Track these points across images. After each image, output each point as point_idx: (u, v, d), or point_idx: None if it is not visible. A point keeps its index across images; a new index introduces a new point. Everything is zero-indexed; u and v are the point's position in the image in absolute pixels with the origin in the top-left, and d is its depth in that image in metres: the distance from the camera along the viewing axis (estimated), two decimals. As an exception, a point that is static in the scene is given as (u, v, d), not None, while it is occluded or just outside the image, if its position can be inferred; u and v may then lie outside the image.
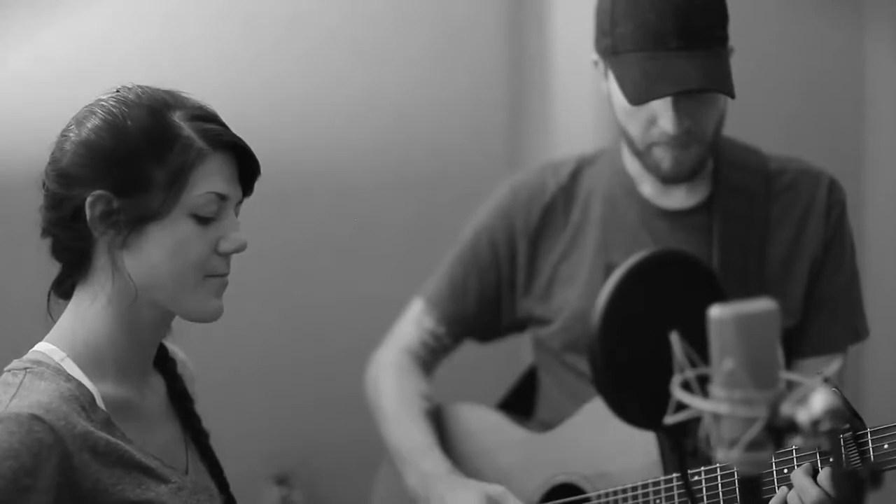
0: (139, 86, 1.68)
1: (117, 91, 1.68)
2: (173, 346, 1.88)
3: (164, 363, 1.81)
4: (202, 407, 1.90)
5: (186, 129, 1.63)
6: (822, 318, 2.22)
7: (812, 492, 1.84)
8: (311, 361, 3.21)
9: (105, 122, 1.62)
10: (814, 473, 1.88)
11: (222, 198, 1.66)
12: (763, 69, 2.37)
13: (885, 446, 1.77)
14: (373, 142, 3.27)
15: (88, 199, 1.61)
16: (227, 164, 1.67)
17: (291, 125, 3.19)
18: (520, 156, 3.31)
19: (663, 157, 2.14)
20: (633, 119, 2.13)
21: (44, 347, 1.65)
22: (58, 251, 1.68)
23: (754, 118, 2.26)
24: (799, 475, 1.85)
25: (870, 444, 1.80)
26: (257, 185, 1.74)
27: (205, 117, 1.66)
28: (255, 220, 3.06)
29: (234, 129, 1.70)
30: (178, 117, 1.64)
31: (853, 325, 2.26)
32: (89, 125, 1.63)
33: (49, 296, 1.71)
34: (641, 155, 2.17)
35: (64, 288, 1.70)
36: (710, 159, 2.23)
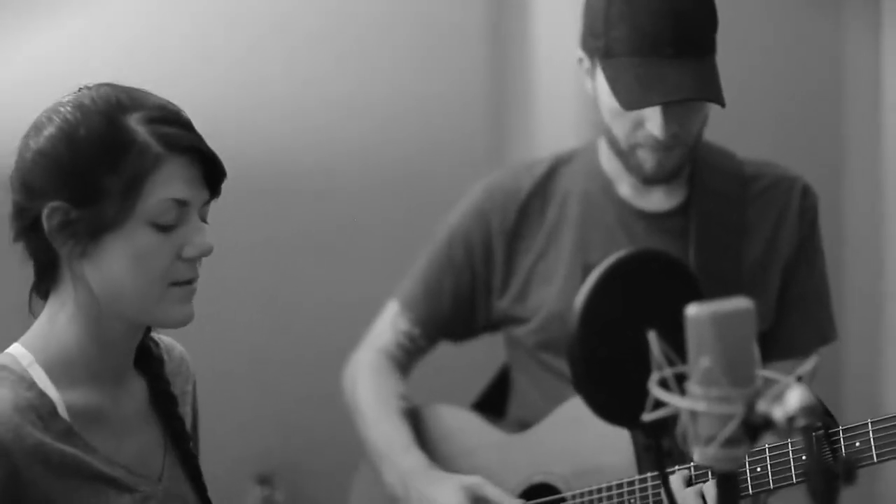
0: (99, 86, 1.62)
1: (79, 91, 1.62)
2: (170, 341, 1.84)
3: (149, 364, 1.75)
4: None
5: (142, 133, 1.56)
6: (791, 321, 2.25)
7: None
8: (295, 361, 3.21)
9: (59, 131, 1.57)
10: (688, 482, 1.96)
11: (182, 203, 1.59)
12: (741, 69, 2.38)
13: (857, 444, 1.79)
14: (356, 142, 3.26)
15: (45, 211, 1.56)
16: (187, 168, 1.59)
17: (275, 126, 3.18)
18: (503, 156, 3.31)
19: (646, 158, 2.15)
20: (620, 120, 2.14)
21: (15, 350, 1.62)
22: (29, 256, 1.64)
23: (732, 119, 2.27)
24: (689, 495, 1.93)
25: (842, 443, 1.83)
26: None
27: (163, 119, 1.59)
28: (240, 220, 3.07)
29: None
30: (134, 121, 1.57)
31: (822, 328, 2.28)
32: (45, 133, 1.58)
33: (30, 295, 1.67)
34: (624, 155, 2.18)
35: (41, 290, 1.66)
36: (688, 162, 2.24)
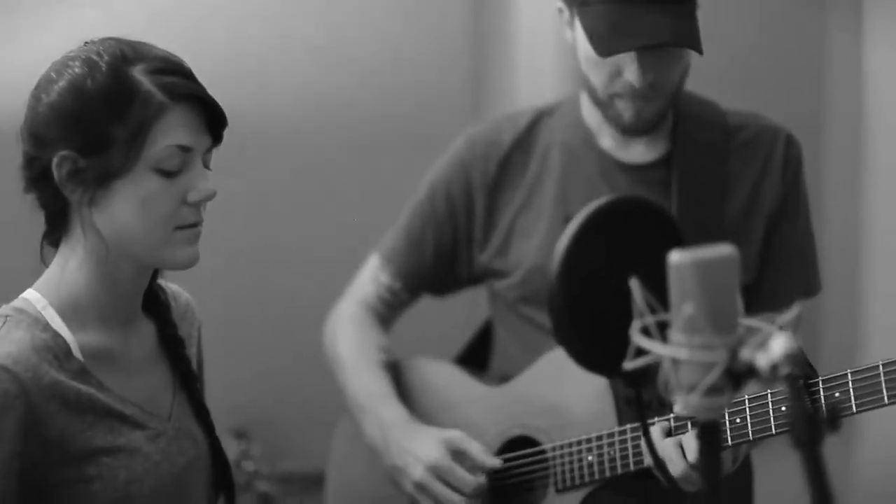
0: (103, 40, 1.69)
1: (84, 45, 1.69)
2: (176, 288, 1.93)
3: (157, 308, 1.84)
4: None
5: (146, 83, 1.64)
6: (775, 273, 2.23)
7: (678, 465, 1.89)
8: (271, 315, 3.20)
9: (68, 84, 1.64)
10: (667, 434, 1.96)
11: (186, 150, 1.67)
12: (722, 25, 2.37)
13: (837, 394, 1.79)
14: (336, 94, 3.24)
15: (54, 160, 1.64)
16: (189, 116, 1.67)
17: (254, 79, 3.16)
18: (484, 109, 3.30)
19: (625, 108, 2.13)
20: (597, 69, 2.12)
21: (29, 295, 1.70)
22: (40, 206, 1.72)
23: (712, 71, 2.26)
24: (668, 446, 1.92)
25: (821, 393, 1.83)
26: (221, 145, 1.74)
27: (166, 69, 1.66)
28: (218, 173, 3.04)
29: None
30: (137, 72, 1.64)
31: (806, 280, 2.27)
32: (54, 87, 1.66)
33: (41, 244, 1.75)
34: (603, 105, 2.17)
35: (52, 238, 1.74)
36: (670, 113, 2.23)
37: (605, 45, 2.06)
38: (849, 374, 1.81)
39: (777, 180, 2.23)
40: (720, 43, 2.27)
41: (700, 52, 2.08)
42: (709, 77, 2.29)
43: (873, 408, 1.79)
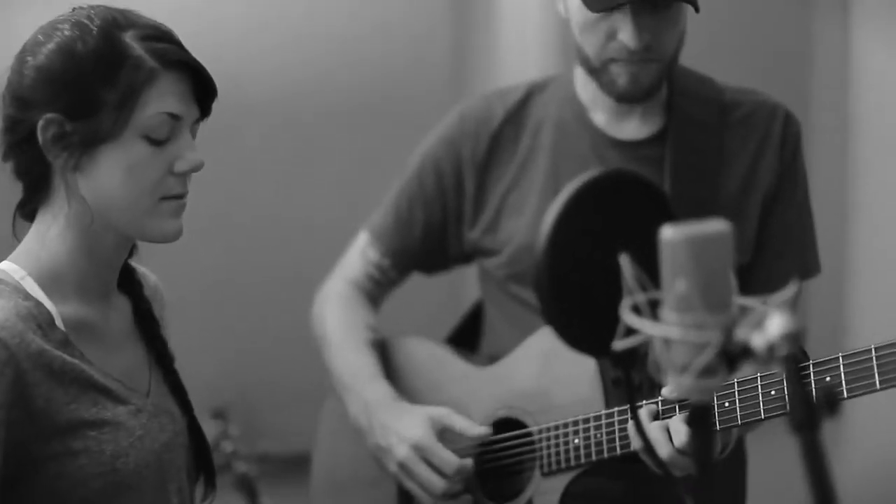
0: (93, 6, 1.68)
1: (73, 10, 1.68)
2: (145, 270, 1.90)
3: (131, 285, 1.82)
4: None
5: (137, 48, 1.63)
6: (772, 252, 2.19)
7: (664, 449, 1.85)
8: (251, 294, 3.18)
9: (56, 46, 1.63)
10: (654, 417, 1.92)
11: (175, 118, 1.66)
12: (710, 17, 2.35)
13: (827, 378, 1.75)
14: (315, 68, 3.21)
15: (40, 123, 1.62)
16: (179, 84, 1.66)
17: (232, 52, 3.13)
18: (465, 81, 3.26)
19: (620, 73, 2.09)
20: (592, 33, 2.08)
21: (5, 266, 1.67)
22: (19, 174, 1.69)
23: (702, 46, 2.23)
24: (655, 428, 1.88)
25: (812, 377, 1.78)
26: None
27: (157, 37, 1.66)
28: (198, 148, 3.02)
29: None
30: (129, 37, 1.63)
31: (804, 260, 2.23)
32: (42, 49, 1.64)
33: (14, 217, 1.73)
34: (597, 73, 2.12)
35: (27, 210, 1.71)
36: (664, 87, 2.19)
37: (597, 0, 2.01)
38: (840, 359, 1.76)
39: (774, 158, 2.19)
40: (707, 33, 2.24)
41: (696, 8, 2.04)
42: (696, 48, 2.25)
43: (864, 393, 1.74)
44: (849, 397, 1.76)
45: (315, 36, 3.21)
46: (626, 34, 2.03)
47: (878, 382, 1.73)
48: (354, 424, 2.23)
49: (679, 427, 1.87)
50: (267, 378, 3.16)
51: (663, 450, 1.88)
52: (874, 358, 1.73)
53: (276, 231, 3.20)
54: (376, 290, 2.43)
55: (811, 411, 1.04)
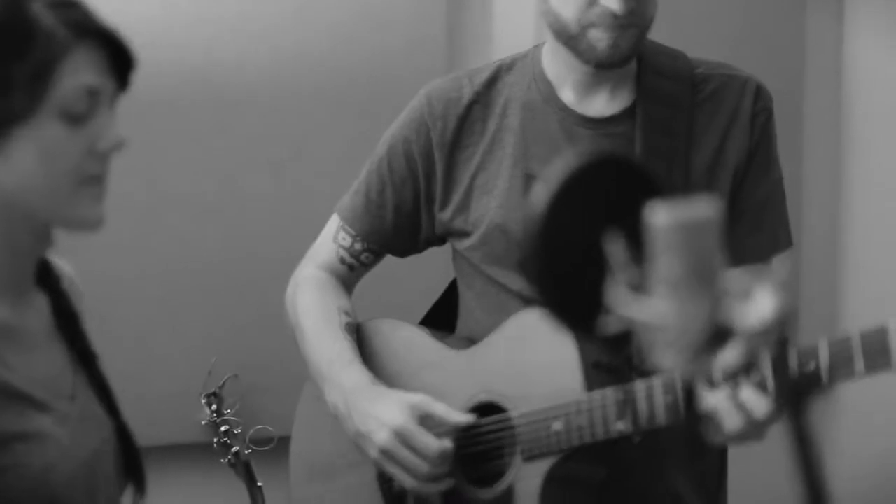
0: None
1: None
2: (58, 261, 1.75)
3: (48, 280, 1.69)
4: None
5: (48, 18, 1.49)
6: (744, 227, 2.18)
7: (735, 417, 1.82)
8: (246, 276, 3.16)
9: None
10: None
11: (93, 92, 1.53)
12: (703, 10, 2.35)
13: (812, 366, 1.74)
14: (308, 51, 3.18)
15: None
16: (97, 54, 1.53)
17: (224, 38, 3.09)
18: (460, 66, 3.24)
19: (600, 38, 2.07)
20: None
21: None
22: None
23: (693, 26, 2.23)
24: (721, 399, 1.82)
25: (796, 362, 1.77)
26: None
27: (67, 3, 1.52)
28: (184, 132, 2.99)
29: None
30: (37, 7, 1.49)
31: (775, 234, 2.22)
32: None
33: None
34: (574, 39, 2.10)
35: None
36: (634, 63, 2.17)
37: None
38: (826, 344, 1.75)
39: (744, 133, 2.18)
40: (701, 28, 2.23)
41: None
42: (687, 28, 2.24)
43: (847, 379, 1.74)
44: (831, 383, 1.75)
45: (309, 18, 3.18)
46: None
47: (863, 368, 1.72)
48: (333, 411, 2.21)
49: (752, 396, 1.76)
50: (263, 361, 3.15)
51: (731, 421, 1.79)
52: (860, 344, 1.73)
53: (272, 217, 3.18)
54: (349, 274, 2.41)
55: (800, 395, 1.04)
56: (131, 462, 1.74)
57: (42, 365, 1.61)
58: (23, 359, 1.57)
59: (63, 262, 1.77)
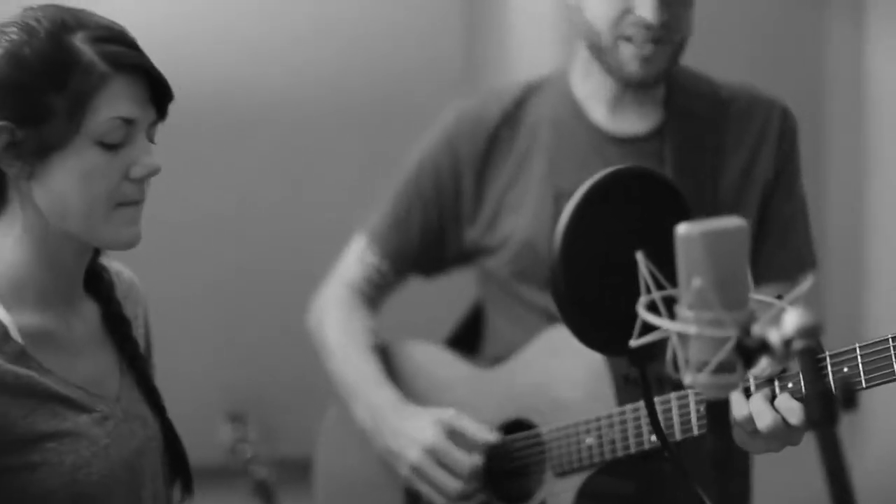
0: (44, 6, 1.62)
1: (24, 11, 1.62)
2: (118, 266, 1.84)
3: (99, 287, 1.77)
4: (155, 340, 1.86)
5: (88, 52, 1.57)
6: (770, 246, 2.19)
7: (768, 416, 1.81)
8: (267, 295, 3.17)
9: (5, 52, 1.57)
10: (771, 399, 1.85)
11: (129, 122, 1.60)
12: (723, 19, 2.35)
13: (845, 370, 1.74)
14: (325, 68, 3.20)
15: None
16: (133, 87, 1.60)
17: (242, 53, 3.11)
18: (476, 81, 3.25)
19: (631, 57, 2.07)
20: (606, 8, 2.06)
21: None
22: None
23: (712, 44, 2.23)
24: (757, 399, 1.82)
25: (829, 369, 1.77)
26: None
27: (108, 38, 1.60)
28: (207, 151, 3.01)
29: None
30: (79, 40, 1.57)
31: (800, 254, 2.23)
32: None
33: None
34: (605, 53, 2.10)
35: None
36: (662, 84, 2.18)
37: None
38: (857, 349, 1.75)
39: (772, 153, 2.19)
40: (719, 35, 2.24)
41: None
42: (706, 46, 2.25)
43: (883, 382, 1.73)
44: (867, 387, 1.74)
45: (325, 36, 3.20)
46: (645, 8, 2.02)
47: None
48: (361, 429, 2.22)
49: (790, 404, 1.75)
50: (285, 381, 3.15)
51: (766, 418, 1.77)
52: (892, 347, 1.72)
53: (291, 232, 3.19)
54: (375, 293, 2.41)
55: (828, 406, 1.04)
56: (177, 460, 1.80)
57: (86, 369, 1.68)
58: (64, 364, 1.65)
59: (123, 268, 1.86)
